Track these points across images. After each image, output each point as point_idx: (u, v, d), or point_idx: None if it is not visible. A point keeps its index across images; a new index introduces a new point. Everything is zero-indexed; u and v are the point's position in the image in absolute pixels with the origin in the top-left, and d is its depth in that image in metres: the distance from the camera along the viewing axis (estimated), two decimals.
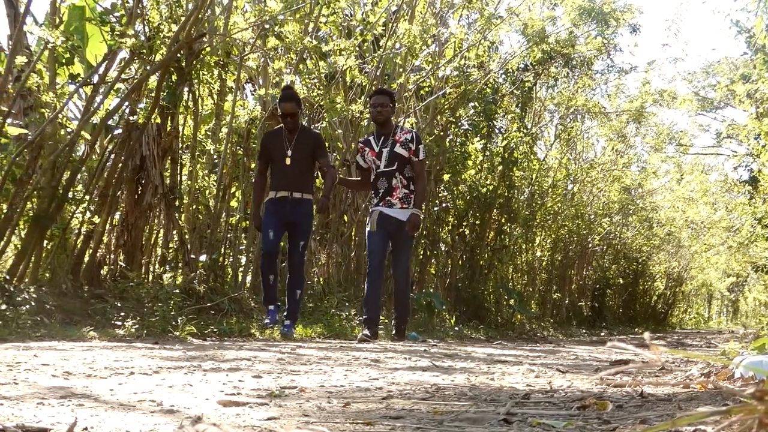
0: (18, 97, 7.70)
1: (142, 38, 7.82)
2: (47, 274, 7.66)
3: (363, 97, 10.95)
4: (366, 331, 8.10)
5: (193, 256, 9.01)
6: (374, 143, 8.49)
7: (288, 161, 8.07)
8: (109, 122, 8.43)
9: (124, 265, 8.67)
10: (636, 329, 23.77)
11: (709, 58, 36.45)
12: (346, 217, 12.24)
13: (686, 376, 3.83)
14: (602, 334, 19.05)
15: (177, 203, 9.14)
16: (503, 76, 15.27)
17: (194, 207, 9.60)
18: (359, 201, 11.88)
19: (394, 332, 8.67)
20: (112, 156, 8.53)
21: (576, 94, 17.69)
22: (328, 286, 11.13)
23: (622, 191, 22.29)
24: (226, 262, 9.72)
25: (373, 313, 8.29)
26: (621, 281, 26.76)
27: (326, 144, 9.31)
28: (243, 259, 10.31)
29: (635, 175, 23.38)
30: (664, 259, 30.64)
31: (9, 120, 7.39)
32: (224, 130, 9.66)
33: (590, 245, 22.65)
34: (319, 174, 8.66)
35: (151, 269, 9.22)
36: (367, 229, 8.59)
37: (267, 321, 8.13)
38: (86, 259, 8.25)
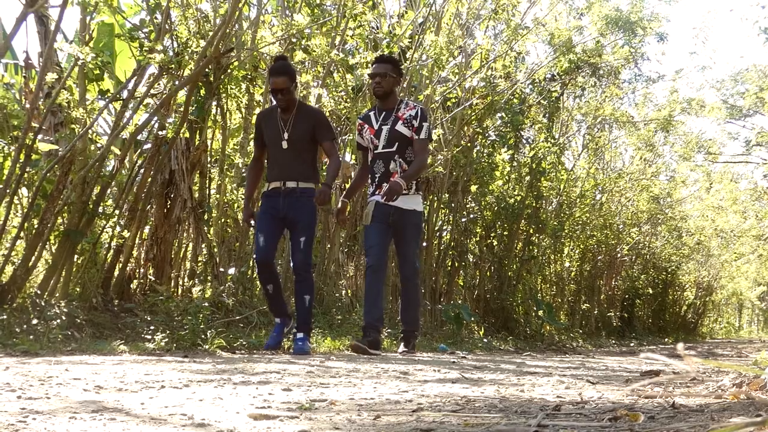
0: (49, 113, 7.77)
1: (171, 53, 7.88)
2: (78, 289, 7.71)
3: None
4: (364, 340, 7.20)
5: (222, 269, 9.03)
6: (374, 119, 7.56)
7: (285, 144, 7.05)
8: (139, 137, 8.48)
9: (153, 278, 8.71)
10: (666, 339, 23.62)
11: (738, 66, 36.33)
12: None
13: (718, 387, 3.80)
14: (632, 344, 18.95)
15: (206, 217, 9.18)
16: (530, 86, 15.26)
17: (223, 220, 9.63)
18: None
19: (401, 346, 7.66)
20: (142, 170, 8.58)
21: (603, 104, 17.62)
22: (356, 298, 11.12)
23: (650, 201, 22.15)
24: (254, 275, 9.74)
25: (372, 317, 7.36)
26: (650, 291, 26.57)
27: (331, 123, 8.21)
28: None
29: (664, 184, 23.23)
30: (693, 269, 30.39)
31: (40, 136, 7.45)
32: (252, 143, 9.68)
33: (619, 255, 22.51)
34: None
35: (181, 283, 9.25)
36: (363, 223, 7.67)
37: (268, 342, 7.17)
38: (116, 273, 8.30)
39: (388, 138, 7.41)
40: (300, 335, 7.07)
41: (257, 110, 9.76)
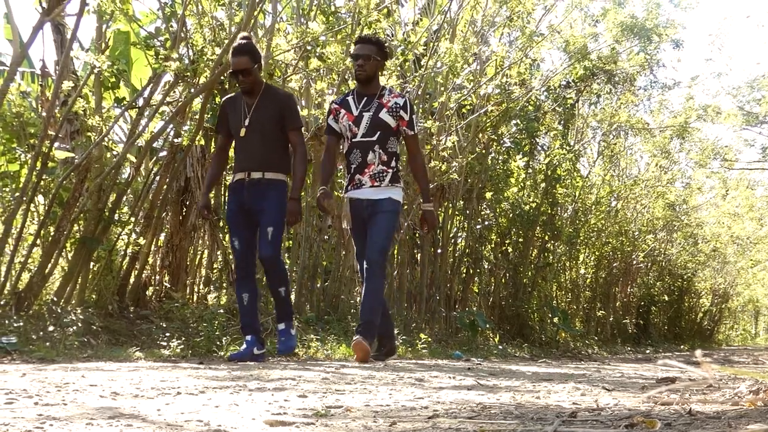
0: (65, 121, 7.81)
1: (186, 61, 7.90)
2: (94, 296, 7.74)
3: None
4: (378, 350, 6.96)
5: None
6: (353, 105, 6.80)
7: (243, 132, 6.48)
8: (154, 145, 8.51)
9: (169, 285, 8.73)
10: (682, 346, 23.56)
11: (754, 72, 36.14)
12: None
13: (735, 394, 3.79)
14: (647, 351, 18.90)
15: (221, 224, 9.20)
16: (545, 93, 15.25)
17: None
18: (401, 220, 11.87)
19: (357, 333, 6.55)
20: (157, 178, 8.60)
21: (619, 111, 17.61)
22: None
23: (666, 207, 22.10)
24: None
25: (384, 329, 6.93)
26: (666, 298, 26.51)
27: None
28: None
29: (679, 191, 23.18)
30: (709, 276, 30.29)
31: (56, 144, 7.49)
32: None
33: (634, 262, 22.46)
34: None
35: (196, 290, 9.28)
36: (344, 227, 7.07)
37: (234, 353, 6.52)
38: (132, 280, 8.33)
39: (369, 126, 6.70)
40: (281, 326, 6.62)
41: None
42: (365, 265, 6.65)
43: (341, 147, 7.01)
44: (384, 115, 6.71)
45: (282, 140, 6.59)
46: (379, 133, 6.69)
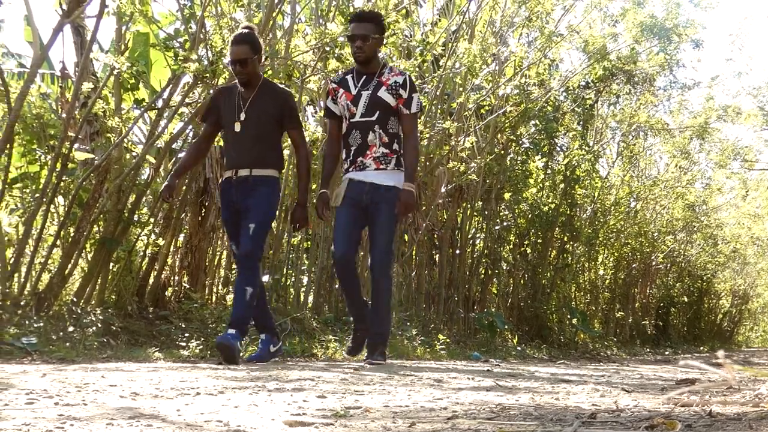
0: (84, 122, 7.84)
1: (205, 63, 7.92)
2: (113, 296, 7.77)
3: (423, 118, 10.95)
4: (351, 344, 6.80)
5: None
6: (351, 84, 6.44)
7: (237, 127, 6.15)
8: (174, 146, 8.53)
9: (188, 286, 8.75)
10: (701, 348, 23.47)
11: None
12: (406, 237, 12.23)
13: (755, 395, 3.76)
14: (666, 353, 18.83)
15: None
16: (564, 93, 15.20)
17: None
18: (419, 221, 11.86)
19: (366, 352, 6.54)
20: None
21: (638, 111, 17.54)
22: (395, 305, 11.10)
23: (686, 208, 22.00)
24: (288, 283, 9.76)
25: (359, 324, 6.63)
26: (685, 299, 26.40)
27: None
28: (305, 280, 10.34)
29: (699, 191, 23.07)
30: (729, 277, 30.14)
31: (76, 145, 7.52)
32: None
33: (654, 263, 22.37)
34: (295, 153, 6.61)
35: (215, 290, 9.30)
36: (332, 204, 6.52)
37: (252, 355, 6.34)
38: (151, 281, 8.35)
39: (368, 105, 6.32)
40: (230, 331, 5.89)
41: None
42: (370, 270, 6.44)
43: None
44: (383, 93, 6.35)
45: (275, 138, 6.32)
46: (378, 112, 6.32)
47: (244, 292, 5.99)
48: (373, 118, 6.31)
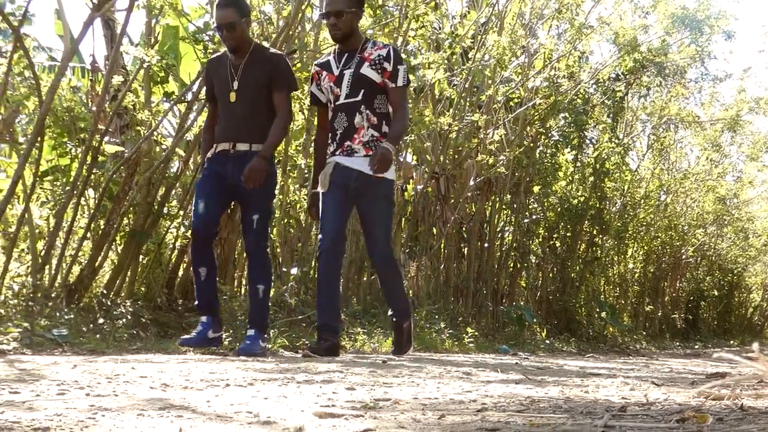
0: (114, 115, 7.87)
1: None
2: (143, 289, 7.80)
3: (452, 110, 10.93)
4: (318, 345, 6.01)
5: (284, 269, 9.08)
6: (334, 65, 6.01)
7: (233, 97, 5.80)
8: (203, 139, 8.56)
9: (216, 278, 8.77)
10: (731, 342, 23.33)
11: None
12: (435, 230, 12.21)
13: None
14: (696, 346, 18.75)
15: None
16: (594, 86, 15.12)
17: (285, 221, 9.67)
18: (448, 214, 11.85)
19: (393, 338, 6.44)
20: None
21: (669, 103, 17.42)
22: (417, 299, 11.10)
23: (716, 201, 21.83)
24: (316, 275, 9.75)
25: (328, 317, 6.05)
26: (715, 293, 26.24)
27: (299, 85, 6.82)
28: None
29: (730, 185, 22.88)
30: (760, 270, 29.91)
31: (106, 138, 7.56)
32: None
33: (684, 257, 22.24)
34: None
35: (243, 282, 9.31)
36: (319, 190, 6.07)
37: (186, 337, 6.06)
38: (180, 273, 8.38)
39: (351, 84, 5.88)
40: (251, 332, 5.90)
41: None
42: (375, 268, 6.29)
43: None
44: (366, 69, 5.90)
45: (272, 107, 5.87)
46: (363, 91, 5.89)
47: (257, 290, 5.93)
48: (359, 98, 5.90)
